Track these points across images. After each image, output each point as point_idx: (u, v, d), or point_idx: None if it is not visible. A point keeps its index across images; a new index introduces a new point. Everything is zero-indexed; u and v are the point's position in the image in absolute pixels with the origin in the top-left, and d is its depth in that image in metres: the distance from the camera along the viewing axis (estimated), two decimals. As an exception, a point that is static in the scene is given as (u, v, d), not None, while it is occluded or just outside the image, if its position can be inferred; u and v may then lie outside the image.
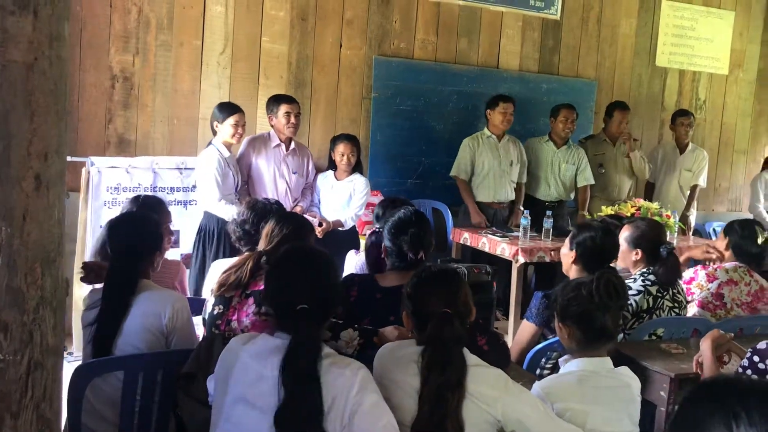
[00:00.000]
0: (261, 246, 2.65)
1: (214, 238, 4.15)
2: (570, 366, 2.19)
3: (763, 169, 6.55)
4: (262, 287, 2.50)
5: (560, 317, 2.19)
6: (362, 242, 4.63)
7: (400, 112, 5.53)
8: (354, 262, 3.09)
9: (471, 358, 1.88)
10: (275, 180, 4.47)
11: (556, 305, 2.23)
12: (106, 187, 4.21)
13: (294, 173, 4.55)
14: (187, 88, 4.88)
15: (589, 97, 6.22)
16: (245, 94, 5.01)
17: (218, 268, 2.74)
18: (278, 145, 4.50)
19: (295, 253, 1.98)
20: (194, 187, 4.40)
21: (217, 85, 4.95)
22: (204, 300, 2.75)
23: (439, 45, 5.64)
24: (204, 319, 2.61)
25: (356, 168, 4.70)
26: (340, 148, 4.64)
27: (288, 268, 1.87)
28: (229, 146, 4.25)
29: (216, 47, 4.93)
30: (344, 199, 4.68)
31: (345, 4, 5.27)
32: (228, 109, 4.25)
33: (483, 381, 1.84)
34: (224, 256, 3.82)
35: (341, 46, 5.31)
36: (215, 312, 2.52)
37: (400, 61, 5.49)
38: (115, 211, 3.83)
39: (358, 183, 4.66)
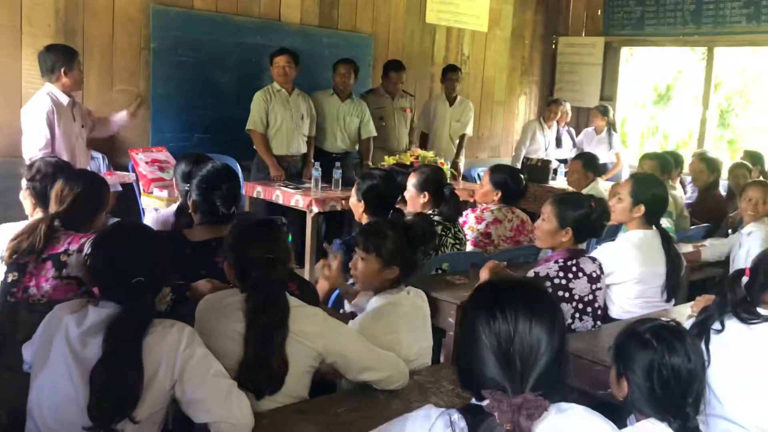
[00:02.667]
0: (52, 208, 2.53)
1: None
2: (373, 302, 2.41)
3: (538, 117, 7.41)
4: (59, 250, 2.42)
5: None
6: (149, 200, 4.54)
7: (182, 64, 5.37)
8: (154, 219, 3.04)
9: (292, 300, 2.01)
10: (71, 137, 4.15)
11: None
12: None
13: (82, 127, 4.25)
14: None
15: (367, 51, 6.50)
16: (6, 44, 4.55)
17: (4, 234, 2.56)
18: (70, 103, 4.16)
19: (124, 228, 1.99)
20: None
21: (-29, 33, 4.44)
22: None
23: (219, -5, 5.53)
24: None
25: None
26: None
27: (120, 242, 1.86)
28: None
29: (-34, -10, 4.40)
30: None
31: (117, -53, 4.95)
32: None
33: (303, 320, 1.98)
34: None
35: (114, -7, 5.00)
36: (9, 279, 2.39)
37: (180, 11, 5.30)
38: None
39: None
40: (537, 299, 1.40)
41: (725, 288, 2.22)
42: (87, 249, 1.84)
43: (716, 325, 2.14)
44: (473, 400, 1.39)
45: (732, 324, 2.14)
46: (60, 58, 4.02)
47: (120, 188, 4.63)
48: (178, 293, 2.34)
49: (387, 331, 2.26)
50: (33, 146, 3.97)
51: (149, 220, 3.20)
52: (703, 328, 2.16)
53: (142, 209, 4.64)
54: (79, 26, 4.87)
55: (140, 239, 1.89)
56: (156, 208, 3.21)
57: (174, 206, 3.15)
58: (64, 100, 4.06)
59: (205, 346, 1.82)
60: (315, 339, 1.98)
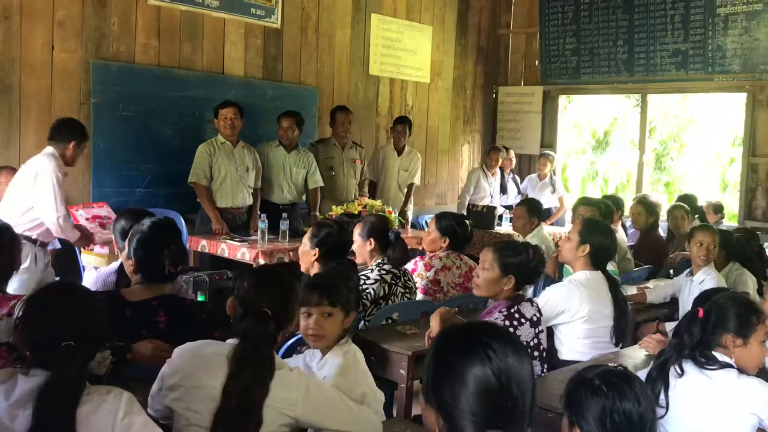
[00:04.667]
0: None
1: None
2: (333, 360, 2.30)
3: (481, 165, 7.54)
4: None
5: None
6: (90, 258, 4.41)
7: (124, 118, 5.30)
8: (94, 278, 2.94)
9: (277, 360, 1.92)
10: None
11: None
12: None
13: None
14: None
15: (312, 103, 6.54)
16: (-62, 101, 4.43)
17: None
18: None
19: (55, 288, 1.89)
20: None
21: None
22: None
23: (162, 49, 5.51)
24: None
25: None
26: None
27: (50, 305, 1.74)
28: None
29: None
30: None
31: (55, 3, 4.89)
32: None
33: (285, 385, 1.88)
34: None
35: (53, 48, 4.92)
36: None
37: (121, 65, 5.26)
38: None
39: None
40: (513, 337, 1.50)
41: (681, 330, 2.25)
42: (18, 311, 1.75)
43: (676, 369, 2.16)
44: None
45: (690, 368, 2.16)
46: None
47: (59, 245, 4.49)
48: (119, 356, 2.25)
49: (358, 383, 2.18)
50: None
51: (89, 279, 3.11)
52: (662, 372, 2.17)
53: (83, 267, 4.49)
54: (16, 82, 4.77)
55: (71, 300, 1.77)
56: (96, 267, 3.12)
57: (115, 264, 3.06)
58: None
59: (144, 413, 1.72)
60: (294, 408, 1.89)
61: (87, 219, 4.65)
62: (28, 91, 4.83)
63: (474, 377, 1.38)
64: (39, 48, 4.86)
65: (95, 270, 2.96)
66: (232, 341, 1.93)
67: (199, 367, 1.89)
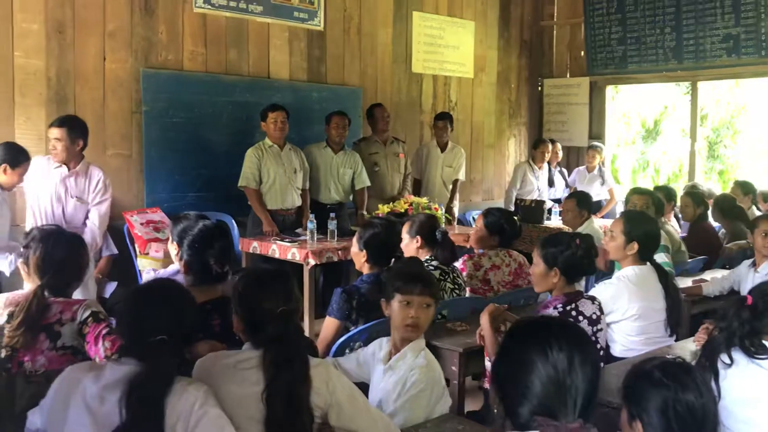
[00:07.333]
0: (32, 279, 2.50)
1: None
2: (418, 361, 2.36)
3: (527, 159, 7.47)
4: (52, 320, 2.40)
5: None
6: (145, 261, 4.52)
7: (174, 125, 5.42)
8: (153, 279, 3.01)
9: None
10: (52, 203, 4.19)
11: None
12: None
13: (73, 197, 4.27)
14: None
15: (356, 103, 6.58)
16: (0, 115, 4.60)
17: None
18: (59, 166, 4.21)
19: (156, 286, 1.98)
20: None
21: (-35, 106, 4.50)
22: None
23: (208, 56, 5.62)
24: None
25: None
26: None
27: (148, 301, 1.86)
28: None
29: (-41, 64, 4.47)
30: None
31: (106, 15, 5.04)
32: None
33: (313, 373, 1.92)
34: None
35: (105, 59, 5.07)
36: (3, 354, 2.36)
37: (170, 73, 5.39)
38: None
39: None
40: (581, 332, 1.61)
41: (728, 318, 2.21)
42: (122, 304, 1.86)
43: (725, 358, 2.12)
44: None
45: (740, 357, 2.12)
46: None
47: (116, 251, 4.64)
48: (180, 356, 2.31)
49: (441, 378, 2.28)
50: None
51: (147, 280, 3.19)
52: (711, 361, 2.14)
53: (139, 271, 4.62)
54: (71, 93, 4.93)
55: (168, 298, 1.88)
56: (154, 269, 3.19)
57: (174, 266, 3.12)
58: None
59: (219, 407, 1.78)
60: (321, 391, 1.92)
61: (141, 224, 4.79)
62: (81, 102, 4.99)
63: (534, 365, 1.46)
64: (91, 59, 5.01)
65: (154, 272, 3.03)
66: (249, 351, 1.94)
67: (227, 376, 1.90)
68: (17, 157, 3.96)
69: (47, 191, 4.21)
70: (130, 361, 1.76)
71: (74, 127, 4.24)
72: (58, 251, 2.50)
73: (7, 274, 3.82)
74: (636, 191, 4.96)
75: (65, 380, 1.78)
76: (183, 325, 1.85)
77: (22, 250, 2.69)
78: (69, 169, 4.24)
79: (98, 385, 1.72)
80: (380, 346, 2.44)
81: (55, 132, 4.16)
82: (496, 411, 1.56)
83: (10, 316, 2.38)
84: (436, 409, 2.27)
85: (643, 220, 3.35)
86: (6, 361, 2.34)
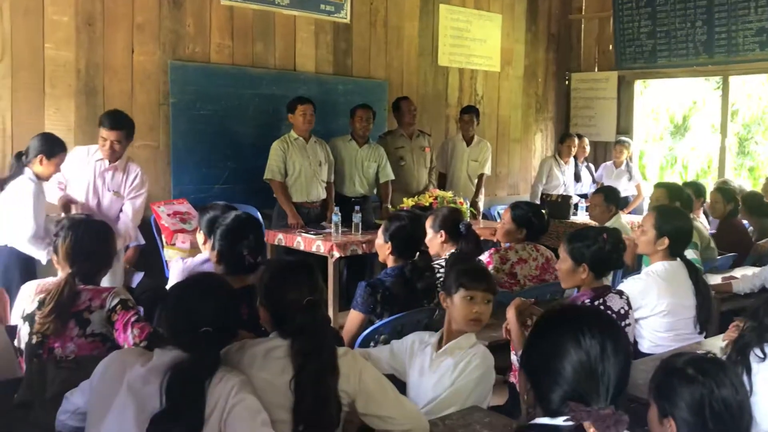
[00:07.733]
0: (63, 267, 2.53)
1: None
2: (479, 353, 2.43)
3: (554, 153, 7.41)
4: (81, 308, 2.43)
5: None
6: (172, 252, 4.56)
7: (201, 118, 5.46)
8: (179, 269, 3.04)
9: None
10: (88, 195, 4.23)
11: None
12: None
13: (110, 191, 4.31)
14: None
15: (382, 97, 6.57)
16: (31, 106, 4.66)
17: (28, 291, 2.57)
18: (100, 159, 4.24)
19: (199, 281, 2.01)
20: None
21: (-3, 96, 4.56)
22: (15, 326, 2.57)
23: (235, 49, 5.64)
24: (16, 347, 2.46)
25: None
26: None
27: (193, 294, 1.90)
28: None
29: (-9, 55, 4.54)
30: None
31: (134, 8, 5.09)
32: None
33: (341, 361, 1.94)
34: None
35: (133, 51, 5.12)
36: (34, 341, 2.40)
37: (197, 66, 5.42)
38: None
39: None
40: (613, 320, 1.65)
41: (759, 314, 2.17)
42: (168, 296, 1.92)
43: (757, 353, 2.09)
44: (539, 420, 1.48)
45: None
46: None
47: (143, 242, 4.68)
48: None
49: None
50: None
51: (175, 269, 3.20)
52: (743, 356, 2.10)
53: (165, 262, 4.66)
54: (100, 85, 4.99)
55: (212, 291, 1.92)
56: (182, 258, 3.21)
57: (203, 255, 3.14)
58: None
59: (255, 395, 1.80)
60: (349, 379, 1.94)
61: (168, 215, 4.82)
62: (110, 94, 5.04)
63: (567, 351, 1.46)
64: (120, 52, 5.06)
65: (182, 261, 3.04)
66: (277, 339, 1.96)
67: (256, 365, 1.92)
68: (53, 149, 3.99)
69: (84, 183, 4.23)
70: (176, 350, 1.80)
71: (129, 130, 4.23)
72: (87, 239, 2.53)
73: (44, 262, 3.87)
74: (656, 186, 4.95)
75: (115, 362, 1.83)
76: (227, 318, 1.89)
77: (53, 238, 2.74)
78: (109, 163, 4.28)
79: (146, 367, 1.77)
80: (420, 338, 2.48)
81: (111, 134, 4.11)
82: (525, 398, 1.54)
83: (41, 303, 2.42)
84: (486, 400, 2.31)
85: (675, 215, 3.30)
86: (37, 348, 2.38)
